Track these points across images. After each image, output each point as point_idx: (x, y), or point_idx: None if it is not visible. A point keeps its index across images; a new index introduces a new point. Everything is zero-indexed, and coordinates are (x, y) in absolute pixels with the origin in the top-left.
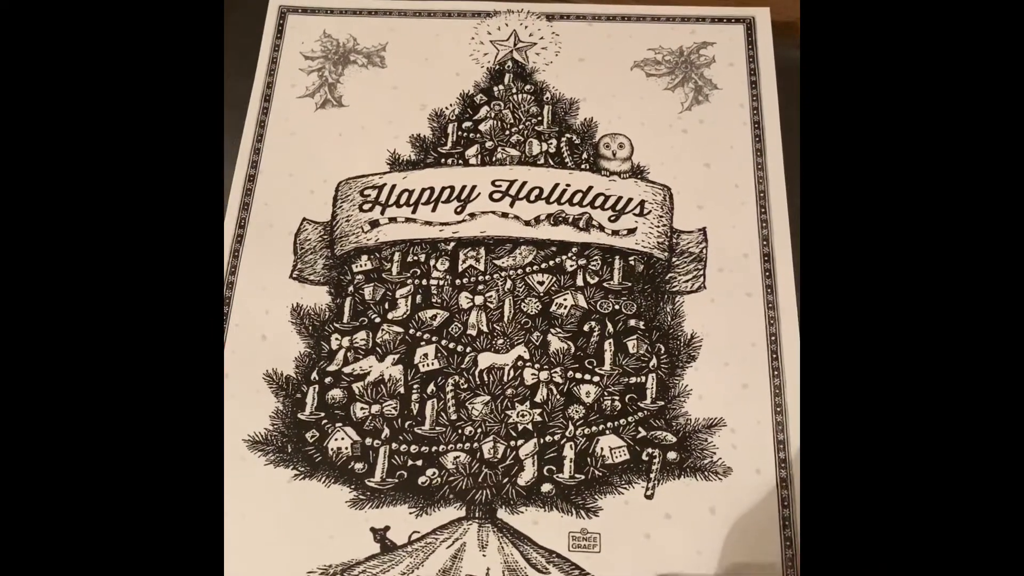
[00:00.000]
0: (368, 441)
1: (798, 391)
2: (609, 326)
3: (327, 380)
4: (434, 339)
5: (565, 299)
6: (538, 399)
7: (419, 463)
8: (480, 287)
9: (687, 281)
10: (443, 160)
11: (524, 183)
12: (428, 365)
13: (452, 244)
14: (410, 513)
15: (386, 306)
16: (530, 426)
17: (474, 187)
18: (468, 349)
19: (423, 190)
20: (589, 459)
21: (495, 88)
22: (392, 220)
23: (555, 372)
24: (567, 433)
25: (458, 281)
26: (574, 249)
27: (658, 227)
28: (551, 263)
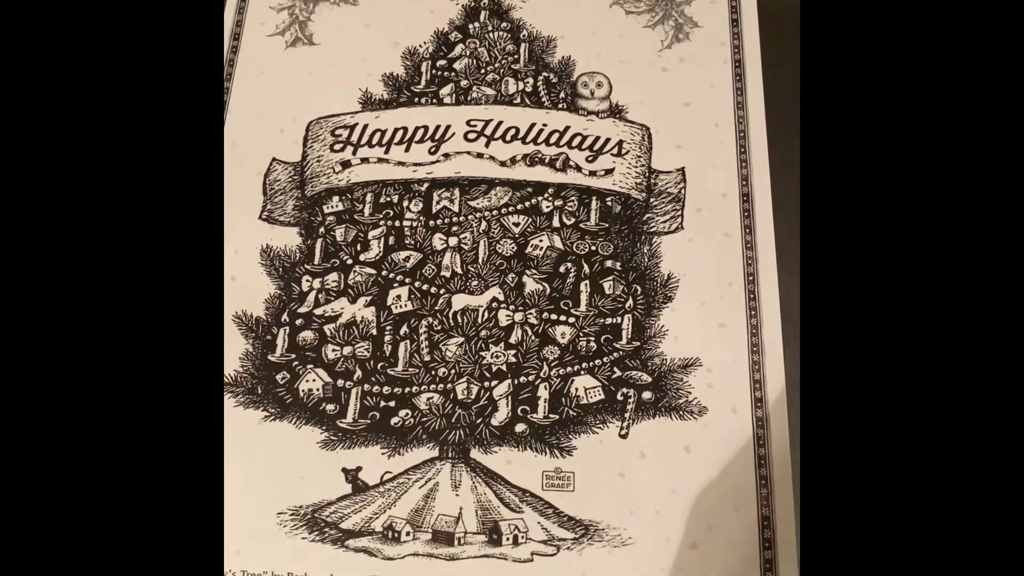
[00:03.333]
0: (340, 383)
1: (776, 331)
2: (585, 267)
3: (298, 322)
4: (407, 280)
5: (541, 240)
6: (513, 340)
7: (392, 404)
8: (454, 228)
9: (665, 222)
10: (417, 99)
11: (500, 123)
12: (401, 307)
13: (426, 185)
14: (382, 454)
15: (358, 247)
16: (504, 367)
17: (448, 127)
18: (442, 291)
19: (396, 130)
20: (564, 399)
21: (470, 26)
22: (364, 160)
23: (530, 313)
24: (541, 374)
25: (432, 222)
26: (550, 190)
27: (636, 167)
28: (527, 204)
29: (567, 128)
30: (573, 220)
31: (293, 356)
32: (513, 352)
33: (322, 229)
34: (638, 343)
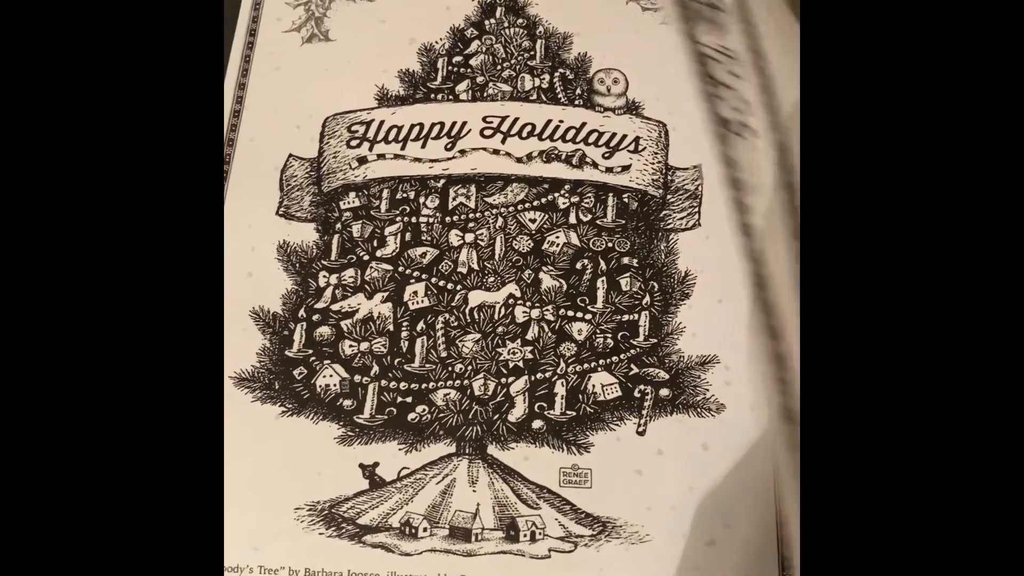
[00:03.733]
0: (357, 378)
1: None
2: (602, 264)
3: (315, 317)
4: (424, 277)
5: (557, 237)
6: (529, 337)
7: (409, 400)
8: (471, 224)
9: (682, 218)
10: (433, 96)
11: (516, 119)
12: (418, 303)
13: (442, 181)
14: (399, 449)
15: (375, 243)
16: (521, 363)
17: (465, 123)
18: (458, 287)
19: (412, 126)
20: (580, 396)
21: (486, 22)
22: (380, 157)
23: (547, 310)
24: (558, 370)
25: (448, 218)
26: (567, 186)
27: (653, 164)
28: (543, 200)
29: (583, 124)
30: (590, 216)
31: (310, 352)
32: (530, 348)
33: (339, 225)
34: (655, 340)
